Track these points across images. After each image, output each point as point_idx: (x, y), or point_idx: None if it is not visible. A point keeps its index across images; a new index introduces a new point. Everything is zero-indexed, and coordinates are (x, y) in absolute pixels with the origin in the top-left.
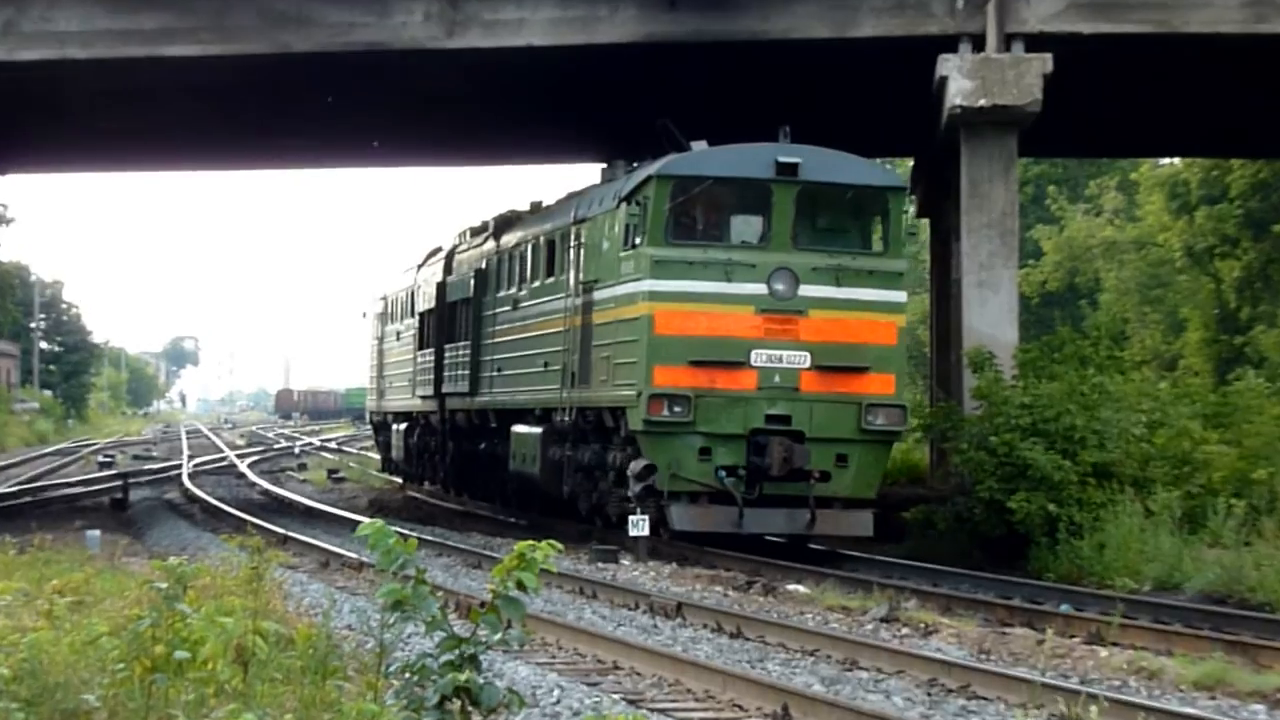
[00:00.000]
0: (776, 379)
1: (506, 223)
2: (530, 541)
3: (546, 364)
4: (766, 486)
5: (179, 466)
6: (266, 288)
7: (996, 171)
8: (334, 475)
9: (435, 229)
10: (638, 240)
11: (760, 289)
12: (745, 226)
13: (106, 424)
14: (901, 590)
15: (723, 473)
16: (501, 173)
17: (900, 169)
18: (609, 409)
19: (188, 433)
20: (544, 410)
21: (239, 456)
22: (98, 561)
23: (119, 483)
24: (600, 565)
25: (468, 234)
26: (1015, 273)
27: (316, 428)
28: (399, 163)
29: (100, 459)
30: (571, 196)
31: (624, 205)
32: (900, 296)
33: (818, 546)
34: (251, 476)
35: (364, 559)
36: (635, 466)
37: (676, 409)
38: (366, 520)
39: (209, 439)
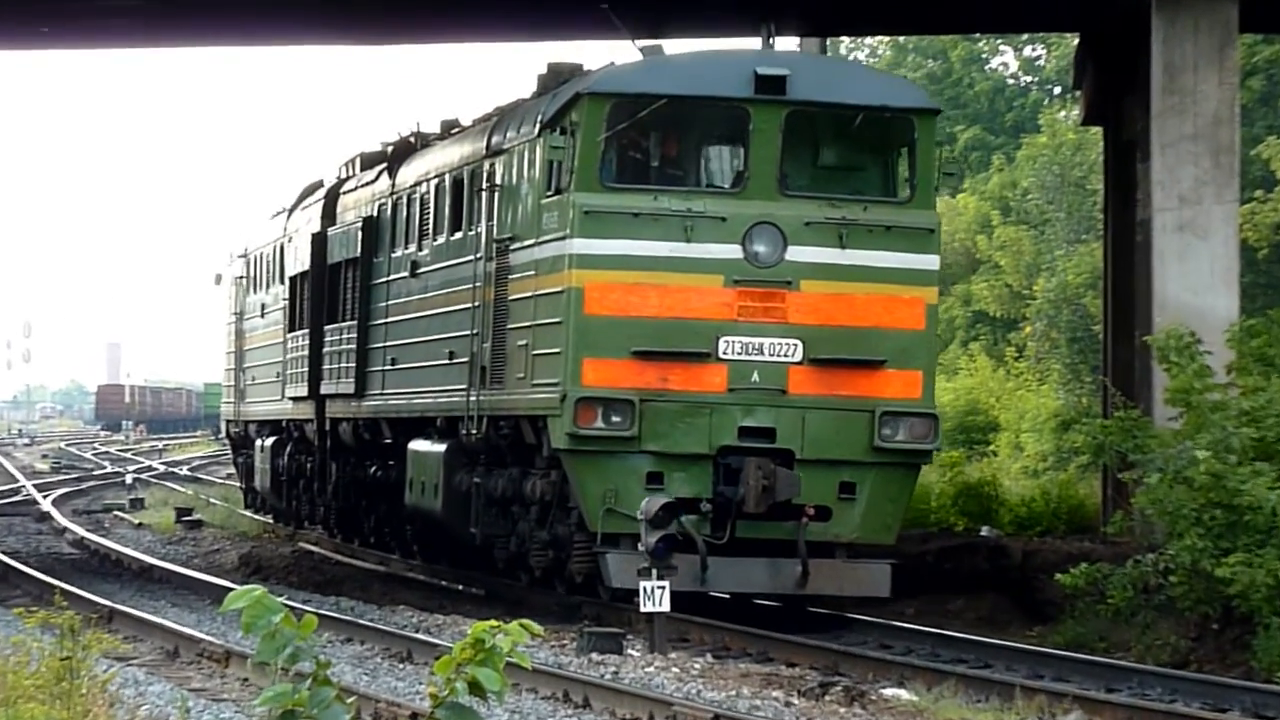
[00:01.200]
0: (755, 377)
1: (406, 150)
2: (491, 622)
3: (452, 354)
4: (741, 527)
5: None
6: (83, 238)
7: (1206, 54)
8: (186, 517)
9: (331, 155)
10: (564, 183)
11: (733, 252)
12: (712, 165)
13: None
14: (1058, 696)
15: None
16: (441, 60)
17: (1056, 52)
18: (528, 418)
19: None
20: (449, 420)
21: (40, 488)
22: None
23: None
24: (596, 657)
25: (356, 164)
26: (1235, 210)
27: (159, 444)
28: (273, 39)
29: None
30: (491, 116)
31: (546, 134)
32: (931, 262)
33: (946, 632)
34: (60, 518)
35: (233, 646)
36: (649, 506)
37: (615, 419)
38: (238, 587)
39: None
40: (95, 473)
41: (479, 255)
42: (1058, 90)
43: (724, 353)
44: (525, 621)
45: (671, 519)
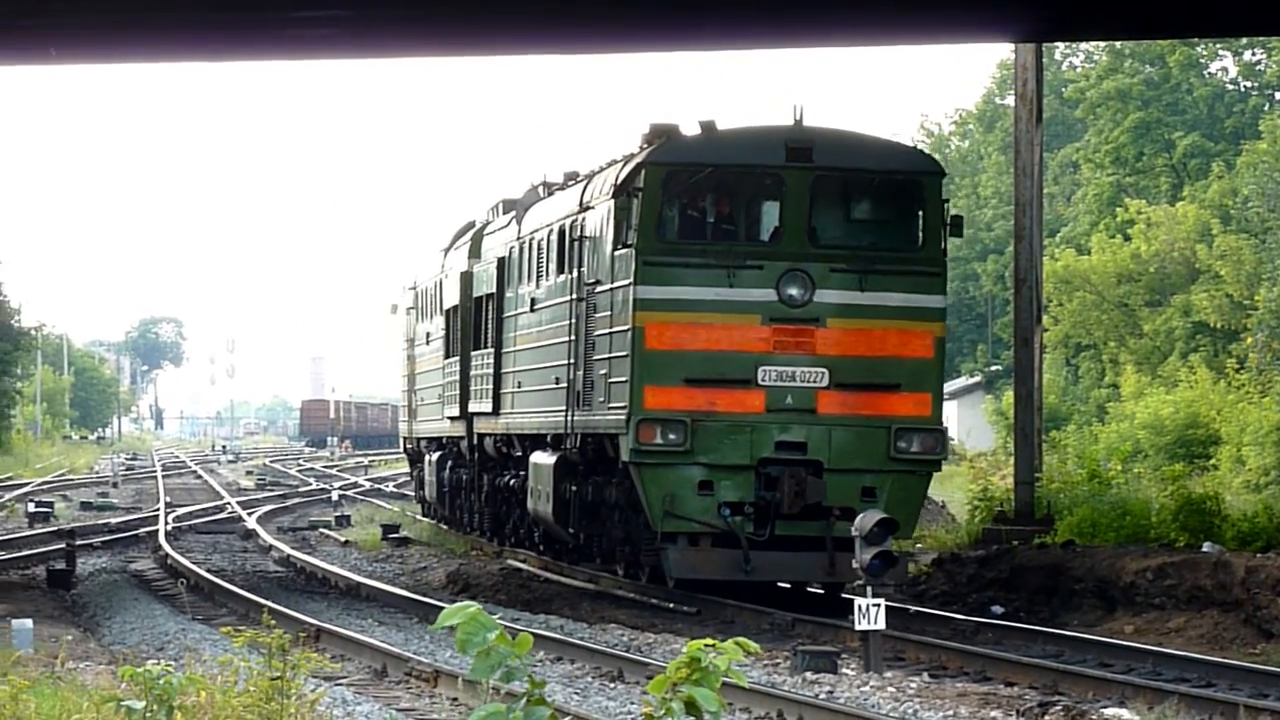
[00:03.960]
0: (789, 400)
1: (532, 200)
2: (706, 640)
3: (558, 380)
4: (779, 526)
5: (153, 520)
6: (287, 251)
7: None
8: (393, 534)
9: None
10: (629, 238)
11: (769, 295)
12: (752, 221)
13: (40, 454)
14: None
15: (727, 510)
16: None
17: (1277, 56)
18: (607, 435)
19: (165, 468)
20: (555, 436)
21: (244, 505)
22: (31, 667)
23: (61, 545)
24: (810, 676)
25: (500, 209)
26: None
27: (365, 460)
28: (479, 48)
29: (31, 508)
30: (587, 175)
31: (617, 196)
32: (938, 301)
33: (1112, 638)
34: (265, 536)
35: (443, 665)
36: (863, 522)
37: (671, 436)
38: (446, 605)
39: (198, 477)
40: (300, 489)
41: (574, 296)
42: (1279, 95)
43: (762, 380)
44: (741, 640)
45: (888, 535)
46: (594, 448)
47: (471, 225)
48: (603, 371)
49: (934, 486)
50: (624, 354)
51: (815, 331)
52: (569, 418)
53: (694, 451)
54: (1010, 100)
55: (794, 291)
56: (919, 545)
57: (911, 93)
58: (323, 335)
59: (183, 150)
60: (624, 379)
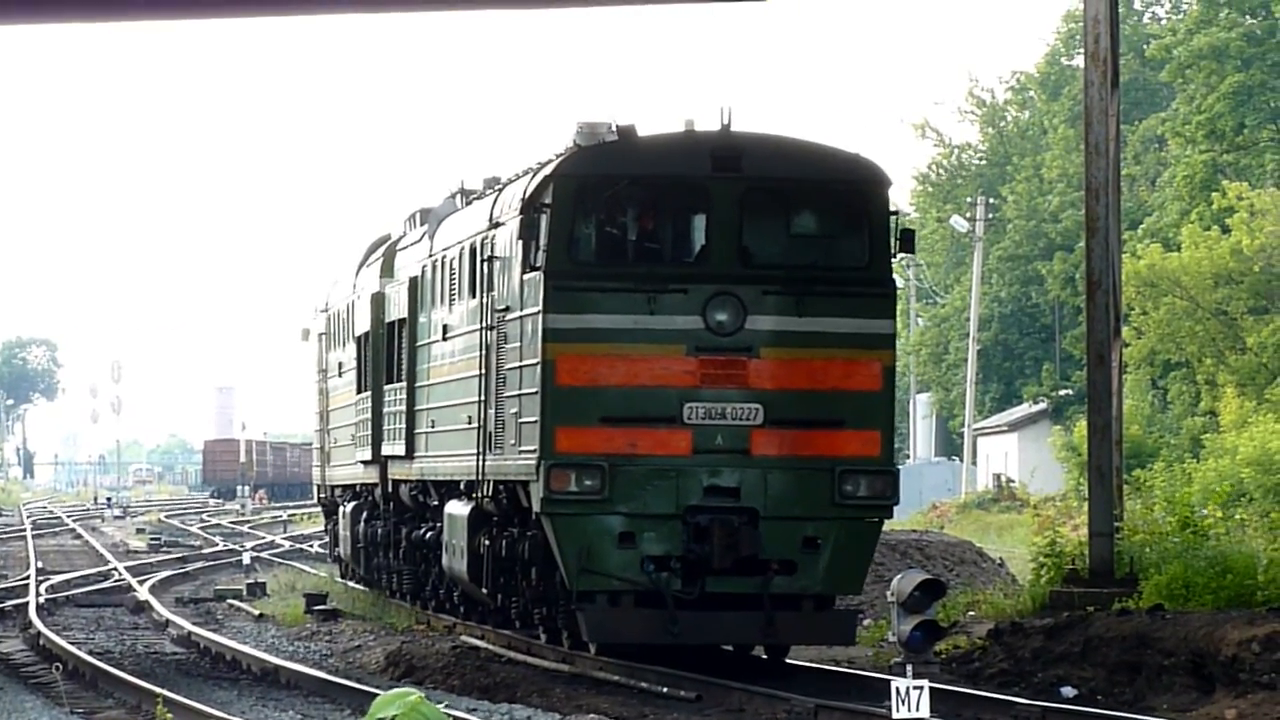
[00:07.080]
0: (719, 440)
1: (447, 211)
2: None
3: (470, 419)
4: (710, 582)
5: (21, 591)
6: (184, 260)
7: None
8: (319, 605)
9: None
10: (537, 260)
11: (694, 322)
12: (676, 240)
13: None
14: None
15: (651, 565)
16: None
17: None
18: (519, 482)
19: (37, 526)
20: (469, 483)
21: (135, 571)
22: None
23: None
24: None
25: (416, 220)
26: None
27: (283, 514)
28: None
29: None
30: (498, 186)
31: (524, 213)
32: (886, 326)
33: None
34: (160, 609)
35: None
36: (901, 585)
37: (587, 482)
38: (384, 692)
39: (78, 537)
40: (204, 551)
41: (484, 324)
42: None
43: (689, 418)
44: None
45: (932, 601)
46: (507, 496)
47: (386, 239)
48: (513, 410)
49: (991, 539)
50: (533, 390)
51: (747, 363)
52: (480, 462)
53: (613, 499)
54: (1079, 60)
55: (723, 318)
56: (971, 613)
57: (956, 51)
58: (230, 362)
59: (56, 142)
60: (534, 419)
